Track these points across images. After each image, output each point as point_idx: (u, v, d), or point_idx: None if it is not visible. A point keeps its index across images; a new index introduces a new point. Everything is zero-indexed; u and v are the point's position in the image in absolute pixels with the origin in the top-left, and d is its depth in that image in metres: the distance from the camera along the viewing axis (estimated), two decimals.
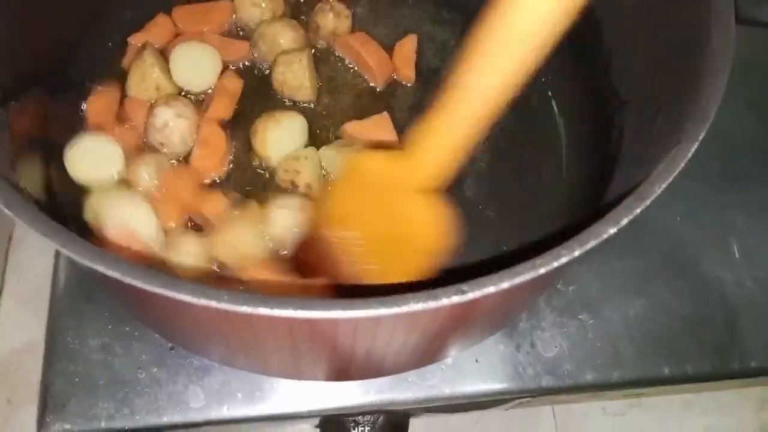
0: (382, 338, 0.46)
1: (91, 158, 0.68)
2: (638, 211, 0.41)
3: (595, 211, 0.51)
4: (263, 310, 0.36)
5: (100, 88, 0.74)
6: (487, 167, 0.76)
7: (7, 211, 0.40)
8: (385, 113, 0.76)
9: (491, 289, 0.38)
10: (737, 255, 0.75)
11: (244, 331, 0.45)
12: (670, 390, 0.81)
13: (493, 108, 0.48)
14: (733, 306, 0.73)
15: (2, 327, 0.90)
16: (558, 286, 0.72)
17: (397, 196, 0.54)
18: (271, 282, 0.63)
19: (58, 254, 0.70)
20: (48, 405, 0.63)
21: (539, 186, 0.75)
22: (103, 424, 0.63)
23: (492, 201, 0.74)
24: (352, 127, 0.75)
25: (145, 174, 0.69)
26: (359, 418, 0.68)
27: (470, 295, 0.38)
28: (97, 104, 0.73)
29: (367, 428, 0.68)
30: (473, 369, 0.68)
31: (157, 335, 0.66)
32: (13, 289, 0.92)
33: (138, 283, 0.36)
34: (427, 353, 0.58)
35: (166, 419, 0.64)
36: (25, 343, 0.89)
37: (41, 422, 0.63)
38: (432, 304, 0.38)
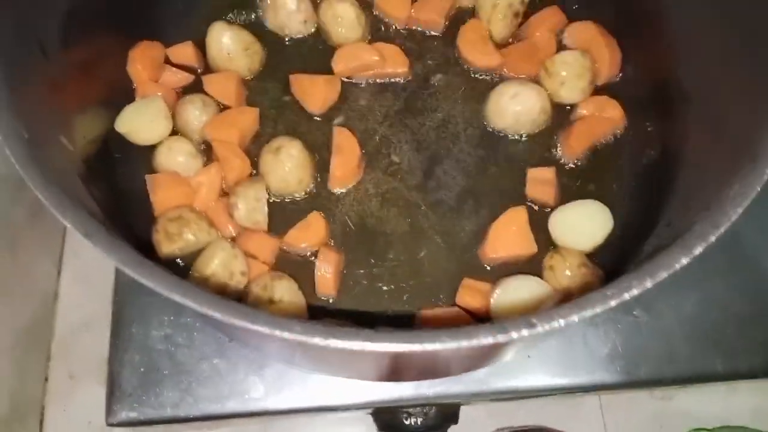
0: (443, 358, 0.47)
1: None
2: (712, 238, 0.40)
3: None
4: (334, 342, 0.37)
5: None
6: None
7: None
8: None
9: (561, 323, 0.38)
10: None
11: (311, 350, 0.46)
12: None
13: None
14: None
15: (62, 305, 0.93)
16: None
17: None
18: None
19: None
20: (115, 393, 0.66)
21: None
22: (168, 412, 0.66)
23: None
24: None
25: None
26: (411, 409, 0.70)
27: (539, 329, 0.38)
28: None
29: (419, 419, 0.70)
30: (525, 364, 0.69)
31: None
32: (72, 267, 0.95)
33: (216, 314, 0.37)
34: (483, 360, 0.59)
35: (228, 408, 0.66)
36: (83, 319, 0.92)
37: (109, 410, 0.66)
38: (501, 338, 0.38)
